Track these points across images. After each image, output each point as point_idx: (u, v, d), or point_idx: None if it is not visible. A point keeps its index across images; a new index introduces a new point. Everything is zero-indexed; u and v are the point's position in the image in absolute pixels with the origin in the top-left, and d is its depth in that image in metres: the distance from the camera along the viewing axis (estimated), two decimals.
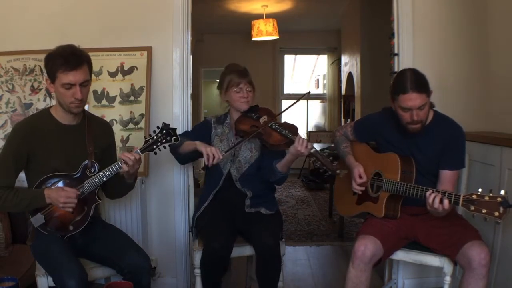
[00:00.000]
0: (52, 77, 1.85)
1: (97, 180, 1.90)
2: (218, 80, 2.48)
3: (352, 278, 1.92)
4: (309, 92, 2.47)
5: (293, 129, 2.23)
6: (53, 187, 1.88)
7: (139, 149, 1.92)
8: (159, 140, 1.92)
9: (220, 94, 2.40)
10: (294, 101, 2.37)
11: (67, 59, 1.81)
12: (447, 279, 1.97)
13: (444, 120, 2.07)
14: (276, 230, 2.19)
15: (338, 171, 2.08)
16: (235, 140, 2.32)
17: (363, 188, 2.15)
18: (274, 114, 2.34)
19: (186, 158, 2.34)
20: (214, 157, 2.10)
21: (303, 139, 2.10)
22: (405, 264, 2.63)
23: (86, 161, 1.94)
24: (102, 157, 2.03)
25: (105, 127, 2.16)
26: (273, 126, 2.23)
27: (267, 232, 2.09)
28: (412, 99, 1.90)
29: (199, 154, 2.21)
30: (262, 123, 2.25)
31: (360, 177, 2.13)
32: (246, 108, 2.33)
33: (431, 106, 2.07)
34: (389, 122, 2.12)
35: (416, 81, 1.90)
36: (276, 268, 2.11)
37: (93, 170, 1.94)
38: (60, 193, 1.83)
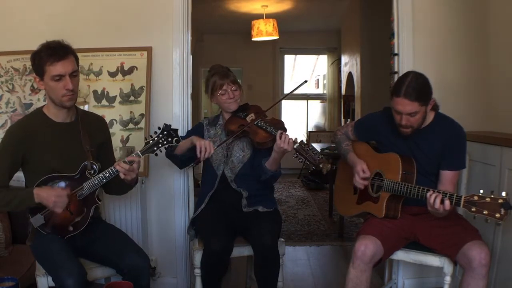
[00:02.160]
0: (40, 73, 1.84)
1: (96, 181, 1.90)
2: None
3: (352, 278, 1.91)
4: (305, 81, 2.42)
5: (278, 125, 2.21)
6: (44, 186, 1.86)
7: (140, 151, 1.91)
8: (160, 141, 1.91)
9: (208, 98, 2.40)
10: (278, 101, 2.35)
11: (54, 51, 1.82)
12: (447, 279, 1.97)
13: (445, 120, 2.06)
14: (274, 229, 2.17)
15: (321, 165, 1.98)
16: (226, 138, 2.32)
17: (366, 183, 2.14)
18: (263, 111, 2.33)
19: (184, 160, 2.33)
20: (206, 151, 2.11)
21: (285, 134, 2.06)
22: (405, 264, 2.63)
23: (86, 162, 1.93)
24: (99, 154, 2.03)
25: (100, 123, 2.15)
26: (259, 124, 2.22)
27: (264, 231, 2.09)
28: (402, 104, 1.90)
29: (195, 154, 2.21)
30: (249, 121, 2.25)
31: (363, 171, 2.12)
32: (236, 107, 2.33)
33: (436, 108, 2.07)
34: (390, 122, 2.12)
35: (413, 88, 1.88)
36: (275, 267, 2.10)
37: (92, 171, 1.93)
38: (50, 193, 1.82)
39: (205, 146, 2.13)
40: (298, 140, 2.04)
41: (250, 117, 2.29)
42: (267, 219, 2.20)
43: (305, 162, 2.03)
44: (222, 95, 2.30)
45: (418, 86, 1.90)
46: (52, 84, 1.84)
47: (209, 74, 2.38)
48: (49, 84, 1.85)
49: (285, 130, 2.19)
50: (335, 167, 4.14)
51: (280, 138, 2.06)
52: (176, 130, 1.94)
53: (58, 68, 1.82)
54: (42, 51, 1.84)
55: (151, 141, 1.91)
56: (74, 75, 1.87)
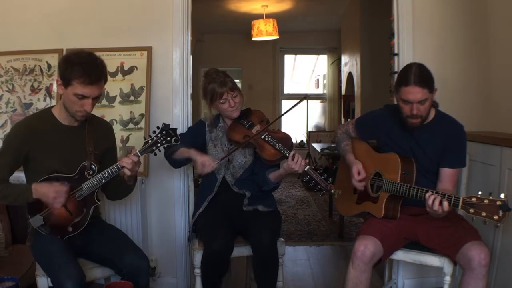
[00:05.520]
0: (66, 82, 1.80)
1: (95, 181, 1.90)
2: None
3: (352, 278, 1.91)
4: (306, 95, 2.42)
5: (287, 142, 2.19)
6: (43, 183, 1.86)
7: (138, 151, 1.90)
8: (159, 141, 1.90)
9: (206, 105, 2.32)
10: (290, 105, 2.30)
11: (89, 72, 1.77)
12: (447, 279, 1.96)
13: (445, 118, 2.07)
14: (273, 228, 2.17)
15: (332, 191, 2.02)
16: (229, 145, 2.30)
17: (364, 184, 2.14)
18: (267, 120, 2.31)
19: (180, 164, 2.33)
20: (208, 167, 2.11)
21: (297, 156, 2.07)
22: (405, 264, 2.63)
23: (85, 163, 1.93)
24: (102, 159, 2.02)
25: (106, 129, 2.15)
26: (266, 139, 2.18)
27: (263, 231, 2.08)
28: (413, 92, 1.91)
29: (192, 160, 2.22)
30: (255, 133, 2.22)
31: (359, 173, 2.13)
32: (237, 115, 2.30)
33: (435, 105, 2.07)
34: (391, 119, 2.13)
35: (420, 75, 1.91)
36: (274, 266, 2.10)
37: (91, 172, 1.93)
38: (50, 188, 1.82)
39: (206, 163, 2.11)
40: (307, 160, 2.05)
41: (256, 128, 2.24)
42: (266, 219, 2.20)
43: (316, 185, 2.03)
44: (223, 104, 2.25)
45: (424, 74, 1.93)
46: (72, 98, 1.81)
47: (205, 81, 2.29)
48: (69, 96, 1.82)
49: (292, 146, 2.20)
50: (335, 167, 4.14)
51: (293, 159, 2.06)
52: (175, 130, 1.93)
53: (86, 90, 1.78)
54: (76, 64, 1.76)
55: (150, 141, 1.91)
56: (97, 98, 1.86)
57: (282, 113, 2.29)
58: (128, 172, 1.89)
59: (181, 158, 2.25)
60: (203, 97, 2.32)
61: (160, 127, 1.92)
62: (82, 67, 1.76)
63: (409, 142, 2.08)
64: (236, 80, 2.40)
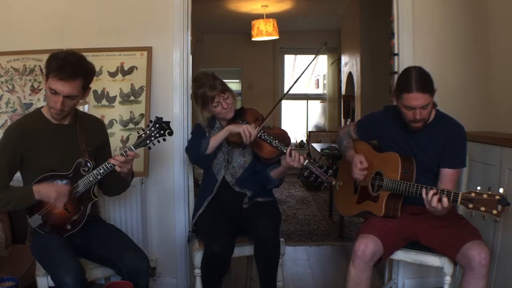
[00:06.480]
0: (46, 76, 1.85)
1: (91, 178, 1.90)
2: None
3: (352, 277, 1.91)
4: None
5: (284, 138, 2.19)
6: (43, 183, 1.86)
7: (132, 145, 1.90)
8: (152, 134, 1.90)
9: (199, 109, 2.32)
10: (274, 102, 2.31)
11: (62, 67, 1.78)
12: (447, 279, 1.96)
13: (445, 119, 2.07)
14: (273, 216, 2.18)
15: (333, 183, 2.03)
16: (227, 146, 2.31)
17: (365, 173, 2.12)
18: (261, 117, 2.30)
19: (211, 159, 2.30)
20: (251, 134, 2.11)
21: (295, 152, 2.08)
22: (405, 264, 2.63)
23: (80, 160, 1.93)
24: (96, 155, 2.03)
25: (98, 125, 2.15)
26: (262, 137, 2.19)
27: (264, 220, 2.10)
28: (416, 98, 1.90)
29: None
30: None
31: (361, 162, 2.11)
32: (232, 116, 2.30)
33: (434, 105, 2.07)
34: (391, 120, 2.13)
35: (420, 81, 1.90)
36: (275, 255, 2.10)
37: (86, 169, 1.93)
38: (51, 188, 1.83)
39: (248, 131, 2.12)
40: (305, 155, 2.05)
41: (251, 127, 2.23)
42: (266, 209, 2.21)
43: (317, 179, 2.04)
44: (216, 108, 2.26)
45: (424, 78, 1.93)
46: (48, 93, 1.85)
47: (195, 86, 2.30)
48: (47, 90, 1.85)
49: (289, 142, 2.19)
50: (335, 167, 4.14)
51: (290, 156, 2.07)
52: (168, 123, 1.92)
53: (58, 86, 1.80)
54: (55, 60, 1.80)
55: (143, 135, 1.91)
56: (70, 98, 1.85)
57: (276, 102, 2.29)
58: (118, 169, 1.89)
59: (215, 148, 2.22)
60: (195, 102, 2.32)
61: (153, 120, 1.92)
62: (59, 62, 1.79)
63: (409, 143, 2.08)
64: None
